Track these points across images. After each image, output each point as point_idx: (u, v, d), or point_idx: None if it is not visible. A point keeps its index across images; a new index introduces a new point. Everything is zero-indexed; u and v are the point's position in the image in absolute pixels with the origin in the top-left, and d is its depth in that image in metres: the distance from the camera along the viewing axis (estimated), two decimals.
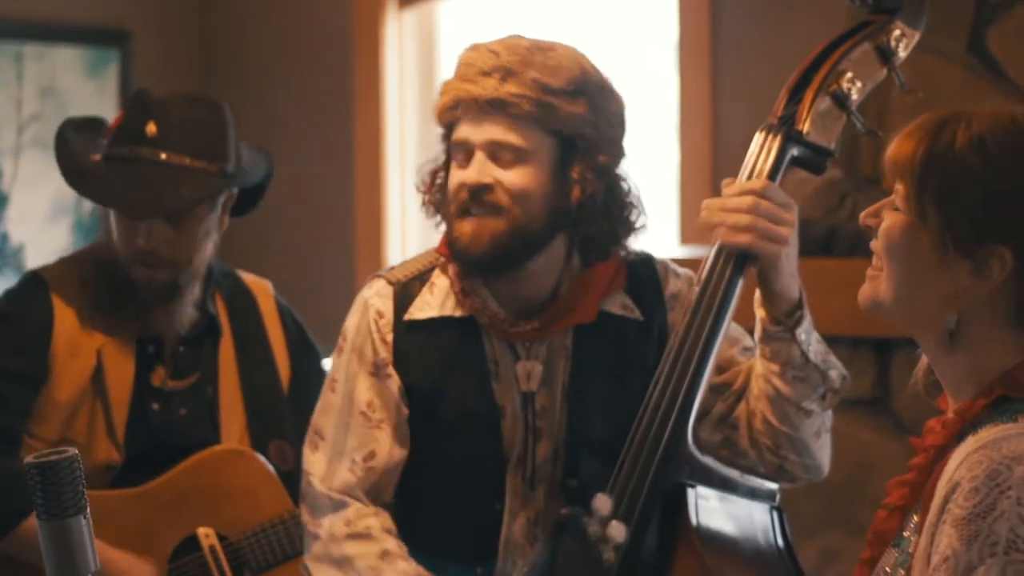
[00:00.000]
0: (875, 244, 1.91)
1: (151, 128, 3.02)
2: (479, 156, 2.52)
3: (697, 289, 2.42)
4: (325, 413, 2.64)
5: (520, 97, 2.49)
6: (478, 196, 2.51)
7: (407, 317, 2.60)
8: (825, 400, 2.50)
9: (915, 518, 1.85)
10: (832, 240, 3.69)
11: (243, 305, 3.24)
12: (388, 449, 2.59)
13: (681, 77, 4.31)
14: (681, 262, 2.72)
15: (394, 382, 2.59)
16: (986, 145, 1.82)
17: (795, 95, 2.47)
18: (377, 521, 2.57)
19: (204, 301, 3.16)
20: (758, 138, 2.45)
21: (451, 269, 2.61)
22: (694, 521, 2.33)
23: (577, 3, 4.58)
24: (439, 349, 2.59)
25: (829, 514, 3.65)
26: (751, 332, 2.54)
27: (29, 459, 1.61)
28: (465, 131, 2.53)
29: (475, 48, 2.56)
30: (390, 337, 2.60)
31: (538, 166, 2.52)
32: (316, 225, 5.06)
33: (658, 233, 4.41)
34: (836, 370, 2.50)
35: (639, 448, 2.38)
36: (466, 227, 2.53)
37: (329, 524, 2.57)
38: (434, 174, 2.63)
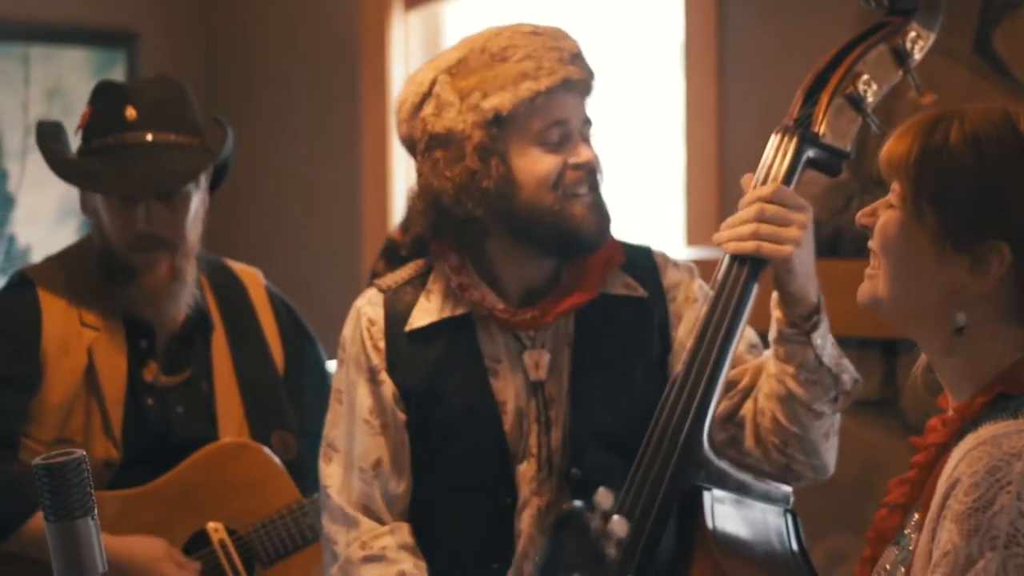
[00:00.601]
0: (872, 243, 1.91)
1: (131, 112, 3.03)
2: (577, 136, 2.55)
3: (712, 294, 2.42)
4: (335, 425, 2.65)
5: (591, 75, 2.58)
6: (594, 174, 2.55)
7: (408, 328, 2.60)
8: (837, 403, 2.50)
9: (916, 516, 1.85)
10: (839, 241, 3.69)
11: (233, 295, 3.24)
12: (393, 455, 2.60)
13: (687, 78, 4.31)
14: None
15: (388, 388, 2.60)
16: (979, 141, 1.82)
17: (811, 97, 2.46)
18: (393, 540, 2.57)
19: (194, 295, 3.16)
20: (774, 140, 2.45)
21: (449, 265, 2.60)
22: (710, 524, 2.32)
23: (583, 4, 4.58)
24: (433, 352, 2.59)
25: (836, 515, 3.65)
26: (762, 332, 2.54)
27: (37, 461, 1.61)
28: (562, 111, 2.54)
29: (535, 33, 2.57)
30: (382, 343, 2.60)
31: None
32: (323, 226, 5.06)
33: (664, 234, 4.42)
34: (848, 374, 2.50)
35: (655, 450, 2.37)
36: (579, 209, 2.54)
37: (345, 546, 2.58)
38: (479, 185, 2.54)
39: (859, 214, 1.94)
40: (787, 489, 2.42)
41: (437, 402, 2.58)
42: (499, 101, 2.51)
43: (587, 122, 2.58)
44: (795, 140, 2.43)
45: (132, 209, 3.02)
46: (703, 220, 4.24)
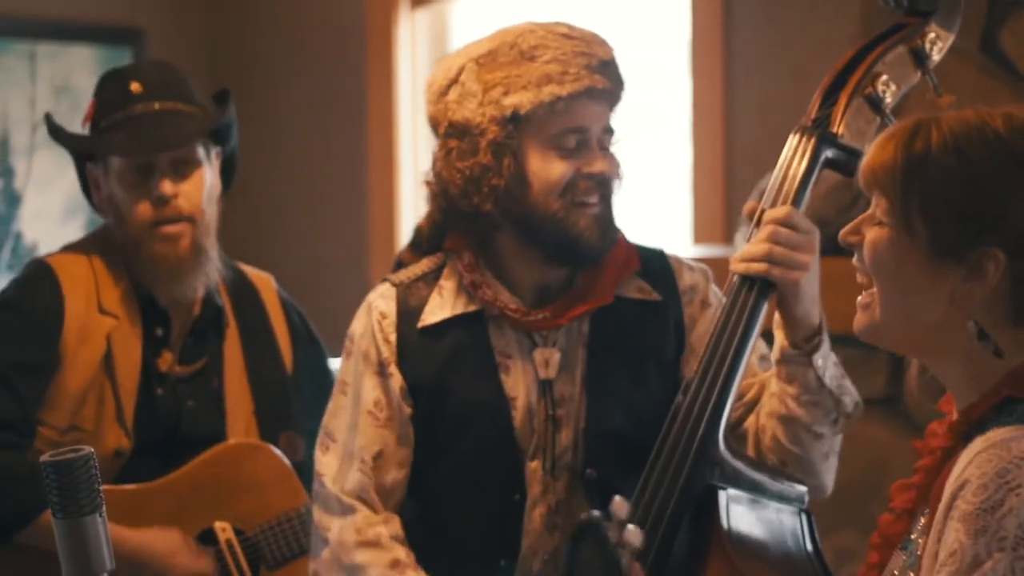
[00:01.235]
0: (859, 263, 1.90)
1: (135, 87, 3.09)
2: (597, 144, 2.54)
3: (725, 303, 2.42)
4: (335, 415, 2.65)
5: (617, 84, 2.56)
6: (606, 185, 2.54)
7: (420, 324, 2.60)
8: (837, 425, 2.49)
9: (922, 520, 1.84)
10: None
11: (247, 297, 3.26)
12: (395, 448, 2.60)
13: (693, 76, 4.31)
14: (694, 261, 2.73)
15: (396, 381, 2.60)
16: (961, 145, 1.81)
17: (829, 97, 2.46)
18: (386, 529, 2.58)
19: (210, 291, 3.17)
20: (792, 140, 2.45)
21: (462, 262, 2.60)
22: (725, 524, 2.32)
23: (590, 2, 4.57)
24: (443, 346, 2.60)
25: (843, 513, 3.64)
26: (770, 333, 2.54)
27: (44, 457, 1.62)
28: (583, 118, 2.52)
29: (568, 36, 2.55)
30: (393, 337, 2.60)
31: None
32: (329, 224, 5.06)
33: (671, 232, 4.42)
34: (850, 396, 2.49)
35: (671, 450, 2.37)
36: (584, 221, 2.53)
37: (339, 530, 2.58)
38: (489, 183, 2.54)
39: (842, 232, 1.92)
40: (802, 489, 2.42)
41: (447, 396, 2.59)
42: (519, 100, 2.50)
43: (608, 131, 2.56)
44: (813, 140, 2.43)
45: (147, 180, 3.05)
46: (709, 218, 4.24)
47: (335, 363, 2.86)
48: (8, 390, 3.00)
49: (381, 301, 2.63)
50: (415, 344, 2.60)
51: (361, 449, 2.59)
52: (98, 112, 3.11)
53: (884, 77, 2.44)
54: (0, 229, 4.74)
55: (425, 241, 2.69)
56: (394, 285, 2.64)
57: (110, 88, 3.13)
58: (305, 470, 3.16)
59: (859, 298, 1.90)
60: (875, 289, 1.88)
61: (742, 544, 2.32)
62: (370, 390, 2.60)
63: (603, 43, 2.57)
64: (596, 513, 2.36)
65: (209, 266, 3.11)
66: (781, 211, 2.39)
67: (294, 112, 5.07)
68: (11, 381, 3.00)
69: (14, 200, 4.76)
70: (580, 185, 2.52)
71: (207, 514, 3.10)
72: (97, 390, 3.05)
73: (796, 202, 2.41)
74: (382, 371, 2.60)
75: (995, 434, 1.77)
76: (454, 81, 2.57)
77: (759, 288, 2.39)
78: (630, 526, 2.30)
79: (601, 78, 2.52)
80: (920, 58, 2.47)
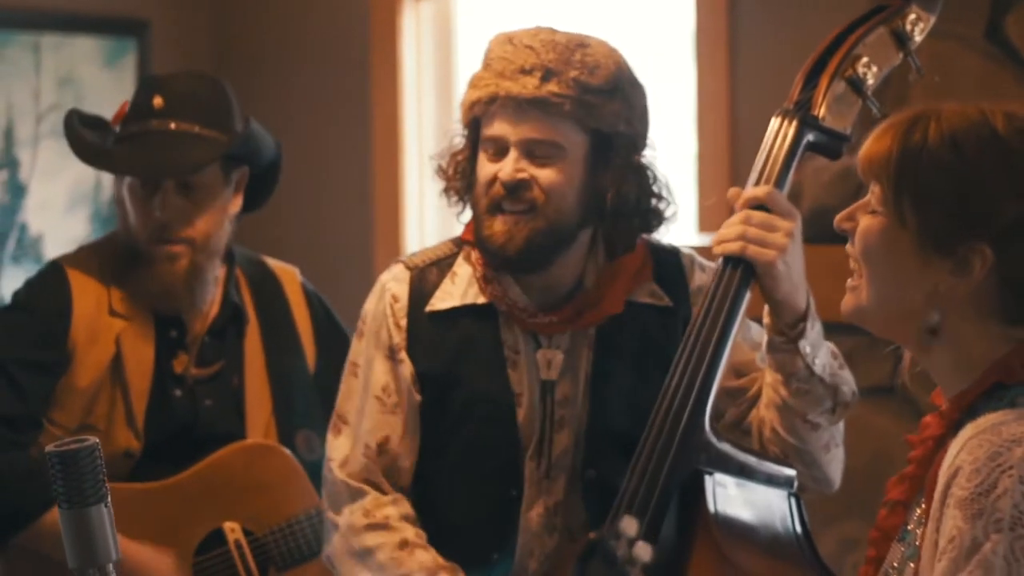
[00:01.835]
0: (851, 248, 1.90)
1: (158, 101, 3.07)
2: (514, 152, 2.52)
3: (710, 288, 2.42)
4: (348, 398, 2.65)
5: (561, 97, 2.49)
6: (515, 192, 2.51)
7: (428, 308, 2.60)
8: (834, 414, 2.49)
9: (919, 510, 1.85)
10: None
11: (269, 291, 3.25)
12: (401, 434, 2.60)
13: (698, 67, 4.30)
14: (699, 251, 2.72)
15: (406, 367, 2.60)
16: (957, 140, 1.81)
17: (810, 80, 2.46)
18: (395, 510, 2.58)
19: (228, 289, 3.17)
20: (774, 123, 2.45)
21: (475, 255, 2.61)
22: (712, 508, 2.33)
23: None
24: (454, 335, 2.60)
25: (848, 502, 3.64)
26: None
27: (50, 448, 1.62)
28: (500, 127, 2.53)
29: (509, 42, 2.54)
30: (404, 322, 2.61)
31: (573, 163, 2.52)
32: (335, 216, 5.06)
33: (676, 223, 4.41)
34: (848, 386, 2.49)
35: (657, 434, 2.38)
36: (498, 226, 2.53)
37: (348, 514, 2.58)
38: (455, 160, 2.63)
39: (837, 218, 1.93)
40: (791, 472, 2.42)
41: (454, 386, 2.59)
42: (463, 99, 2.58)
43: (546, 145, 2.52)
44: (795, 123, 2.43)
45: (152, 197, 3.03)
46: (714, 208, 4.23)
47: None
48: (13, 387, 3.00)
49: (394, 284, 2.63)
50: (426, 331, 2.60)
51: (367, 433, 2.60)
52: (125, 116, 3.11)
53: (865, 59, 2.44)
54: (5, 220, 4.74)
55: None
56: (408, 268, 2.65)
57: (140, 95, 3.13)
58: (321, 469, 3.17)
59: (848, 281, 1.91)
60: (864, 274, 1.88)
61: (729, 528, 2.32)
62: (380, 374, 2.61)
63: (530, 49, 2.52)
64: (604, 531, 2.36)
65: (203, 289, 3.10)
66: (758, 190, 2.40)
67: (298, 103, 5.07)
68: (17, 378, 3.00)
69: (19, 191, 4.76)
70: (493, 189, 2.53)
71: (217, 514, 3.10)
72: (108, 391, 3.06)
73: (778, 185, 2.41)
74: (392, 356, 2.61)
75: (985, 420, 1.78)
76: None
77: (742, 271, 2.39)
78: (640, 542, 2.30)
79: (513, 84, 2.50)
80: (901, 39, 2.47)
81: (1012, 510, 1.70)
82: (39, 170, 4.77)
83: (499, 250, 2.53)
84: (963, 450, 1.76)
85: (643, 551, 2.28)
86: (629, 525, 2.33)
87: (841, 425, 2.54)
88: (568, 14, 4.48)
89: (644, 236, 2.64)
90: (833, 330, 2.52)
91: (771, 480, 2.40)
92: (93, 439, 1.63)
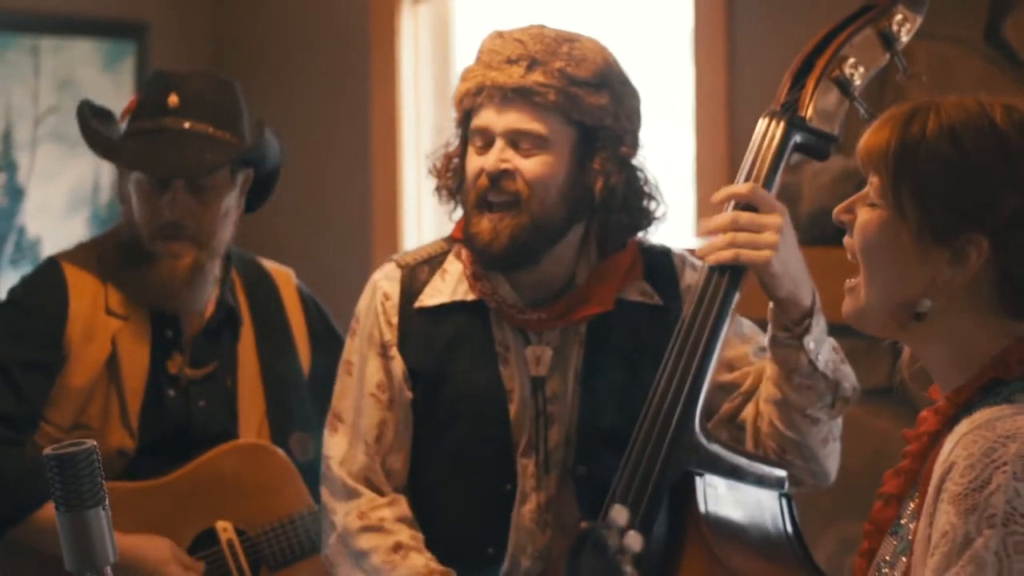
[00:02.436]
0: (850, 241, 1.90)
1: (173, 99, 3.06)
2: (499, 143, 2.53)
3: (696, 292, 2.42)
4: (343, 396, 2.67)
5: (546, 87, 2.50)
6: (497, 182, 2.52)
7: (417, 304, 2.61)
8: (834, 409, 2.49)
9: (912, 504, 1.85)
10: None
11: (264, 293, 3.25)
12: (397, 431, 2.61)
13: (696, 67, 4.30)
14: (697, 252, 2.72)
15: (397, 364, 2.61)
16: (956, 132, 1.82)
17: (797, 81, 2.47)
18: (390, 512, 2.59)
19: (223, 291, 3.17)
20: (761, 124, 2.46)
21: (464, 253, 2.62)
22: (702, 509, 2.33)
23: None
24: (445, 332, 2.61)
25: (846, 503, 3.65)
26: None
27: (48, 451, 1.62)
28: (486, 118, 2.54)
29: (499, 36, 2.56)
30: (395, 319, 2.62)
31: (558, 155, 2.53)
32: (334, 215, 5.06)
33: (674, 224, 4.41)
34: (849, 381, 2.49)
35: (647, 437, 2.38)
36: (484, 224, 2.54)
37: (344, 516, 2.59)
38: (448, 159, 2.64)
39: (836, 210, 1.94)
40: (781, 473, 2.42)
41: (445, 383, 2.60)
42: (455, 93, 2.60)
43: (530, 136, 2.53)
44: (782, 124, 2.44)
45: (161, 194, 3.03)
46: (713, 208, 4.23)
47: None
48: (9, 385, 3.00)
49: (385, 282, 2.65)
50: (417, 328, 2.61)
51: (365, 431, 2.61)
52: (136, 110, 3.10)
53: (852, 60, 2.45)
54: (3, 223, 4.74)
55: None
56: (400, 266, 2.66)
57: (152, 90, 3.12)
58: (315, 470, 3.17)
59: (847, 282, 1.91)
60: (860, 272, 1.89)
61: (719, 529, 2.33)
62: (374, 371, 2.62)
63: (517, 41, 2.54)
64: (595, 522, 2.36)
65: (203, 289, 3.10)
66: (740, 187, 2.40)
67: (298, 104, 5.07)
68: (13, 376, 3.00)
69: (17, 194, 4.76)
70: (479, 181, 2.54)
71: (209, 513, 3.10)
72: (103, 390, 3.06)
73: (766, 186, 2.42)
74: (384, 353, 2.62)
75: (981, 415, 1.78)
76: None
77: (730, 273, 2.39)
78: (631, 532, 2.30)
79: (499, 74, 2.52)
80: (888, 40, 2.47)
81: (1005, 506, 1.70)
82: (37, 173, 4.77)
83: (485, 248, 2.54)
84: (958, 445, 1.76)
85: (634, 540, 2.28)
86: (619, 514, 2.34)
87: (839, 420, 2.54)
88: (567, 14, 4.48)
89: (634, 238, 2.64)
90: (832, 331, 2.52)
91: (762, 481, 2.40)
92: (91, 442, 1.63)
